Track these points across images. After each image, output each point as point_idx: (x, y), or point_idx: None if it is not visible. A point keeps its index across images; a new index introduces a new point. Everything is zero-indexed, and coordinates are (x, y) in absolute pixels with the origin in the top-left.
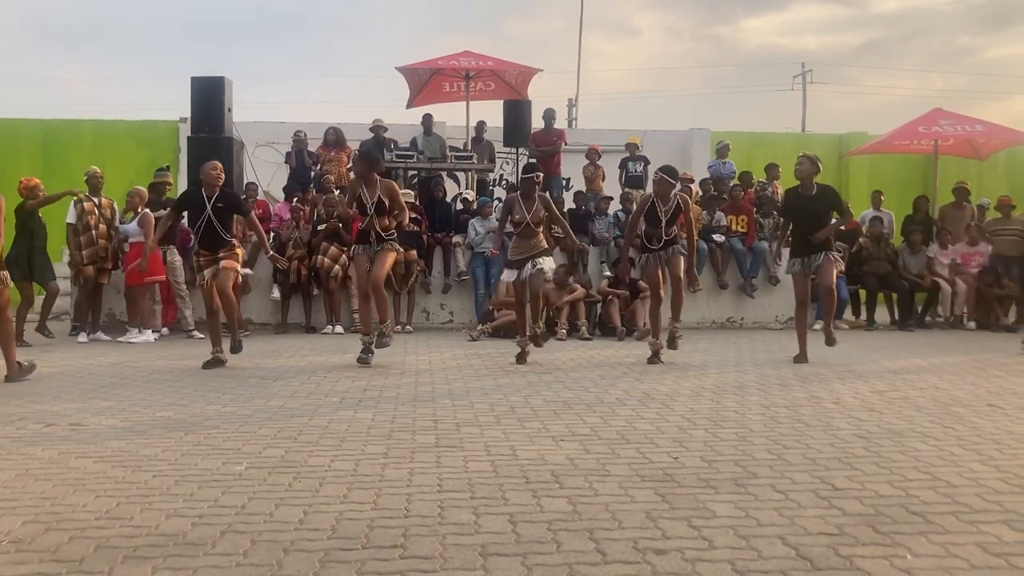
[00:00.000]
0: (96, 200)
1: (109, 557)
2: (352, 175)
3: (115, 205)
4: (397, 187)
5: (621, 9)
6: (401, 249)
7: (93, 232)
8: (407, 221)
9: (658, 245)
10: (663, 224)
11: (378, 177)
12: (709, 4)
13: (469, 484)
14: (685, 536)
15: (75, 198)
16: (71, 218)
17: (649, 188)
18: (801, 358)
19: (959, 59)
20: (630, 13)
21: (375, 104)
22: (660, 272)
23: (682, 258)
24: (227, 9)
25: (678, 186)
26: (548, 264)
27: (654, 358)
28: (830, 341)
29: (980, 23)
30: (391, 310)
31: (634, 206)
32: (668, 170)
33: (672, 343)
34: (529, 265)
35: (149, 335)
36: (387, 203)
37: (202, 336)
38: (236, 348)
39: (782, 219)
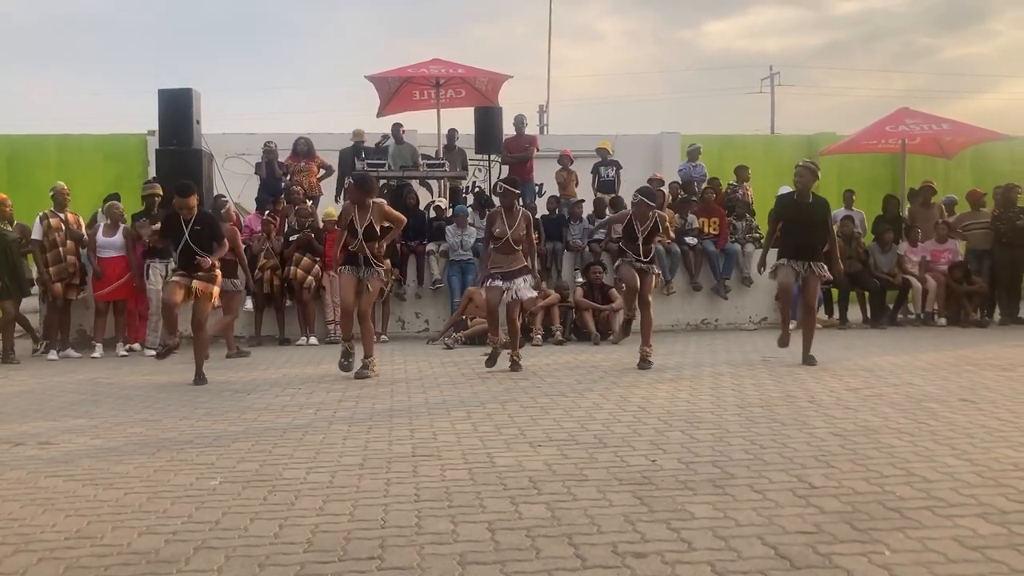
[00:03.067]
0: (62, 216)
1: None
2: (347, 200)
3: (81, 220)
4: (387, 206)
5: (583, 15)
6: (386, 280)
7: (60, 249)
8: (400, 231)
9: (633, 257)
10: (640, 241)
11: (371, 201)
12: (670, 9)
13: (447, 493)
14: (664, 539)
15: (40, 214)
16: (36, 235)
17: (621, 191)
18: (784, 340)
19: (918, 59)
20: (592, 19)
21: (345, 113)
22: (639, 279)
23: (654, 278)
24: (194, 21)
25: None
26: (526, 290)
27: (627, 327)
28: (808, 361)
29: (937, 24)
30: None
31: (608, 212)
32: (647, 193)
33: (644, 364)
34: (512, 286)
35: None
36: (378, 229)
37: (154, 353)
38: (199, 381)
39: (770, 220)
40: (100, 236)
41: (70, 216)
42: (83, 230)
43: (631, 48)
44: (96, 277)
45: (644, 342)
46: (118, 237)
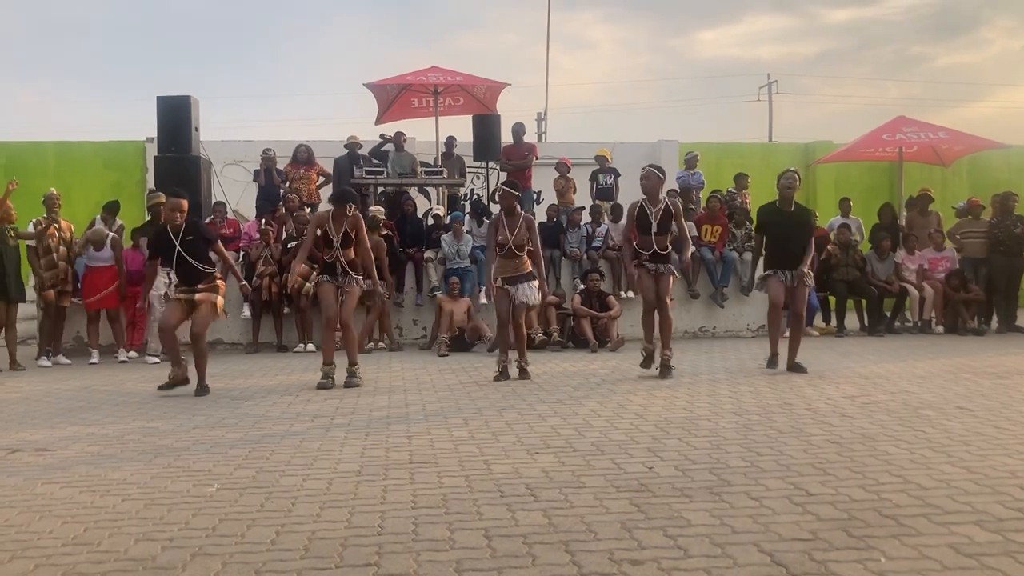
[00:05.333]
0: (55, 223)
1: None
2: (324, 210)
3: (73, 228)
4: (363, 222)
5: (575, 23)
6: (364, 286)
7: (54, 255)
8: (371, 263)
9: (648, 253)
10: (653, 227)
11: (350, 212)
12: (663, 17)
13: (443, 500)
14: (661, 545)
15: (34, 220)
16: (32, 240)
17: (620, 199)
18: (773, 362)
19: (912, 68)
20: (584, 27)
21: (344, 121)
22: (655, 284)
23: (669, 280)
24: (193, 28)
25: (664, 184)
26: (532, 295)
27: (647, 363)
28: (794, 367)
29: (930, 32)
30: (359, 344)
31: (605, 218)
32: (656, 166)
33: (666, 372)
34: (519, 289)
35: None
36: (353, 235)
37: (156, 360)
38: (201, 391)
39: (756, 233)
40: (90, 250)
41: (63, 223)
42: (73, 237)
43: (624, 57)
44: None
45: (664, 346)
46: (105, 251)
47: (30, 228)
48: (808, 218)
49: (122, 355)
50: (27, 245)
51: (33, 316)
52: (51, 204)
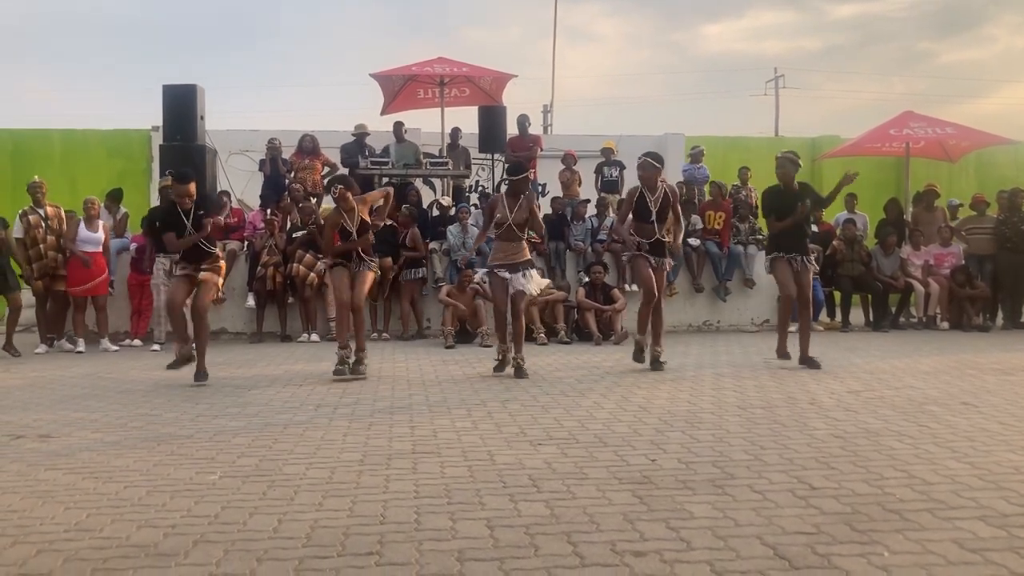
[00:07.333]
0: (41, 212)
1: (78, 570)
2: (334, 203)
3: (63, 213)
4: (364, 196)
5: (579, 16)
6: (378, 271)
7: (41, 246)
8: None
9: (649, 242)
10: (654, 216)
11: (353, 198)
12: (667, 11)
13: (446, 490)
14: (663, 537)
15: (20, 211)
16: (18, 232)
17: (625, 192)
18: (784, 354)
19: (917, 64)
20: (589, 20)
21: (350, 112)
22: (652, 276)
23: (664, 274)
24: (200, 17)
25: (662, 171)
26: (533, 284)
27: (638, 355)
28: (808, 362)
29: (935, 28)
30: (369, 328)
31: (610, 211)
32: (652, 154)
33: (657, 366)
34: (515, 277)
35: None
36: (368, 219)
37: (158, 349)
38: (200, 377)
39: (768, 218)
40: (82, 230)
41: (50, 210)
42: (64, 223)
43: (629, 50)
44: (85, 265)
45: (655, 342)
46: (99, 233)
47: (17, 220)
48: (808, 194)
49: (106, 344)
50: (15, 238)
51: (33, 305)
52: (34, 193)
